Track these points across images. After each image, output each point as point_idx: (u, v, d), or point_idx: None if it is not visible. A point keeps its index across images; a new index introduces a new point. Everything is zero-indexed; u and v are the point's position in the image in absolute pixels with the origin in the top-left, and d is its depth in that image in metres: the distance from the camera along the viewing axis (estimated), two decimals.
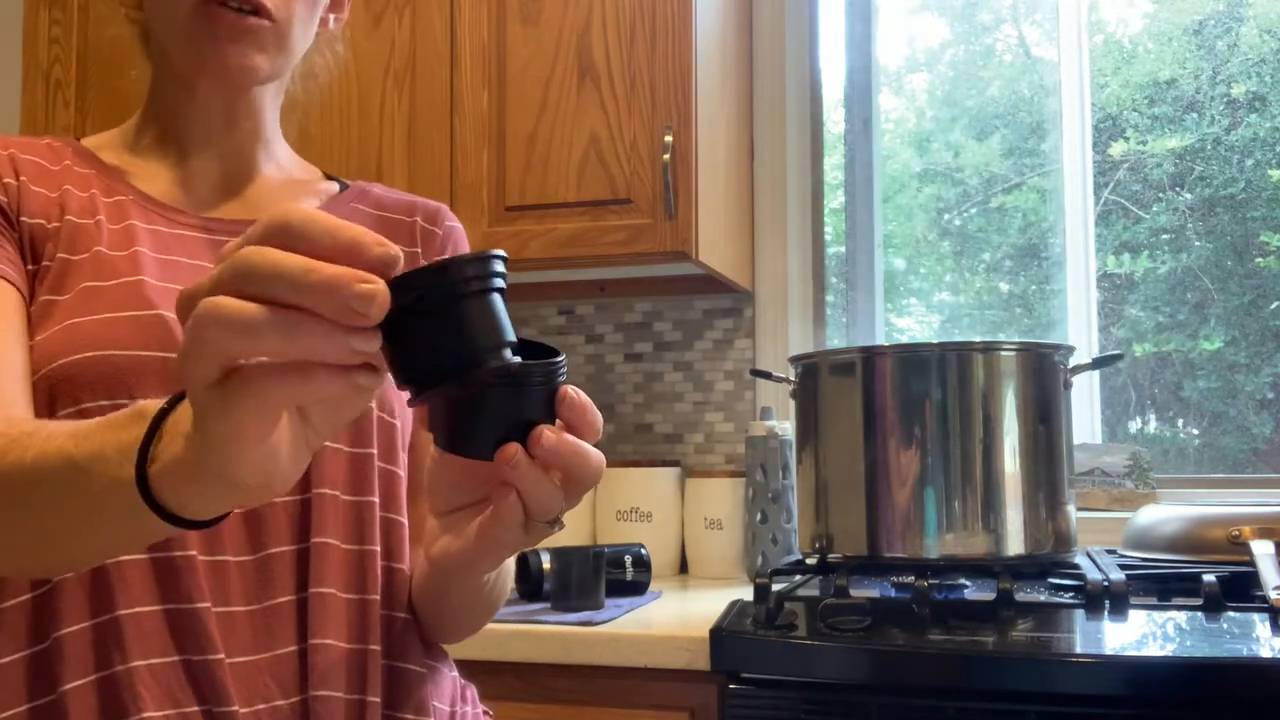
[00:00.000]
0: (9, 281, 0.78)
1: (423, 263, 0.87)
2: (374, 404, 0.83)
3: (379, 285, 0.46)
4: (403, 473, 0.86)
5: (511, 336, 0.53)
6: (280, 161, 0.95)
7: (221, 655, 0.74)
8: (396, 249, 0.48)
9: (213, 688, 0.73)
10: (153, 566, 0.75)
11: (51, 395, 0.75)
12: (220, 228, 0.87)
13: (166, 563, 0.75)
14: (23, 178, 0.83)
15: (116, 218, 0.84)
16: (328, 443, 0.79)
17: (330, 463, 0.81)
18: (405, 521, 0.85)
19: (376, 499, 0.82)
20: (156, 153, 0.91)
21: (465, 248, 0.97)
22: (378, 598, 0.81)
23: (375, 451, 0.83)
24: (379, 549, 0.82)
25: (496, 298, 0.52)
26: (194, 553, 0.75)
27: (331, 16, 0.96)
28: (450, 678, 0.91)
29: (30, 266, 0.80)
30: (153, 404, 0.54)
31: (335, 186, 0.98)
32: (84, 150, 0.90)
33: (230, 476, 0.49)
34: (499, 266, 0.52)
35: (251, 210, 0.90)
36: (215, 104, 0.89)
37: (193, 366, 0.47)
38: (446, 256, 0.53)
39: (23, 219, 0.81)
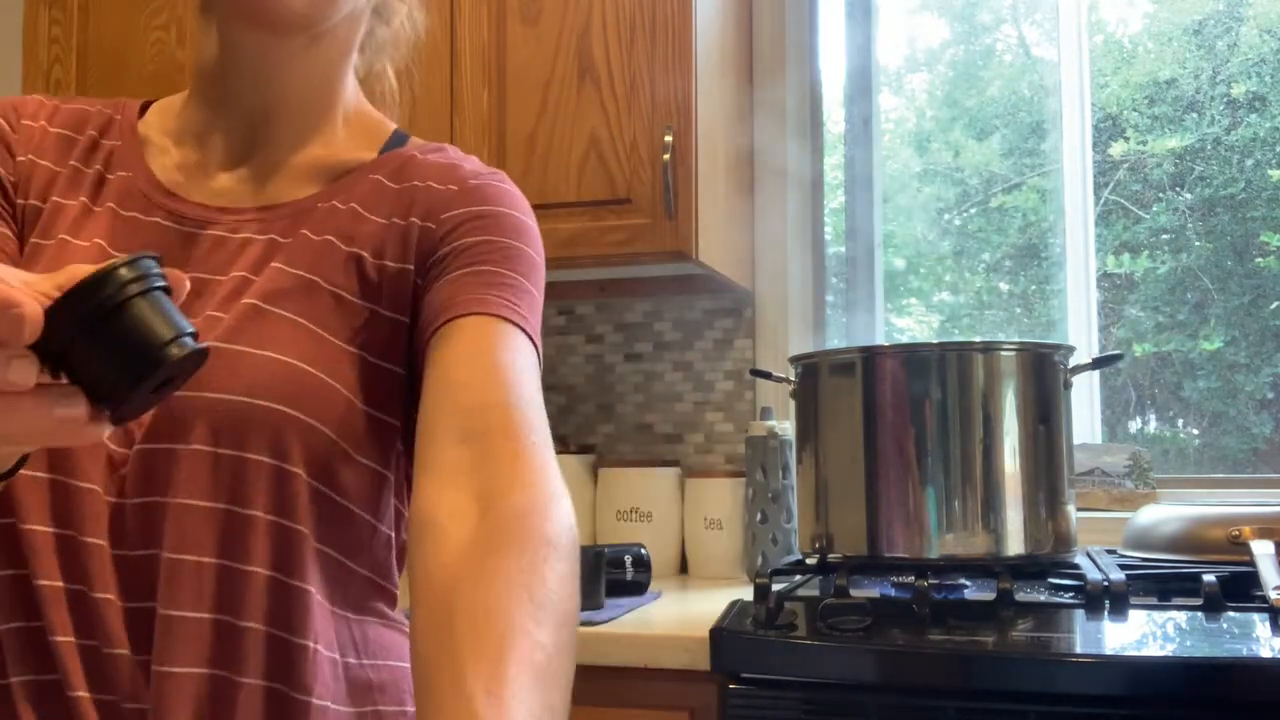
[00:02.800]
0: None
1: (427, 226, 0.80)
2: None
3: (28, 307, 0.47)
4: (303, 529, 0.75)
5: (189, 327, 0.54)
6: (326, 128, 0.86)
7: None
8: (29, 311, 0.47)
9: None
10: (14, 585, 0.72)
11: None
12: (211, 218, 0.81)
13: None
14: (33, 154, 0.80)
15: (102, 199, 0.81)
16: (197, 501, 0.72)
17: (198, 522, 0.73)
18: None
19: (257, 566, 0.74)
20: (184, 123, 0.85)
21: (506, 202, 0.85)
22: (252, 680, 0.73)
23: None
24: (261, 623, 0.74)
25: (161, 295, 0.53)
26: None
27: None
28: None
29: (22, 249, 0.78)
30: None
31: (370, 156, 0.86)
32: (130, 119, 0.85)
33: None
34: (155, 267, 0.53)
35: (254, 197, 0.83)
36: (249, 53, 0.81)
37: None
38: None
39: (19, 200, 0.79)
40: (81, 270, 0.51)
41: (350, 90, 0.88)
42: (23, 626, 0.72)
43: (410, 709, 0.82)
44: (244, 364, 0.74)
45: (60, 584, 0.72)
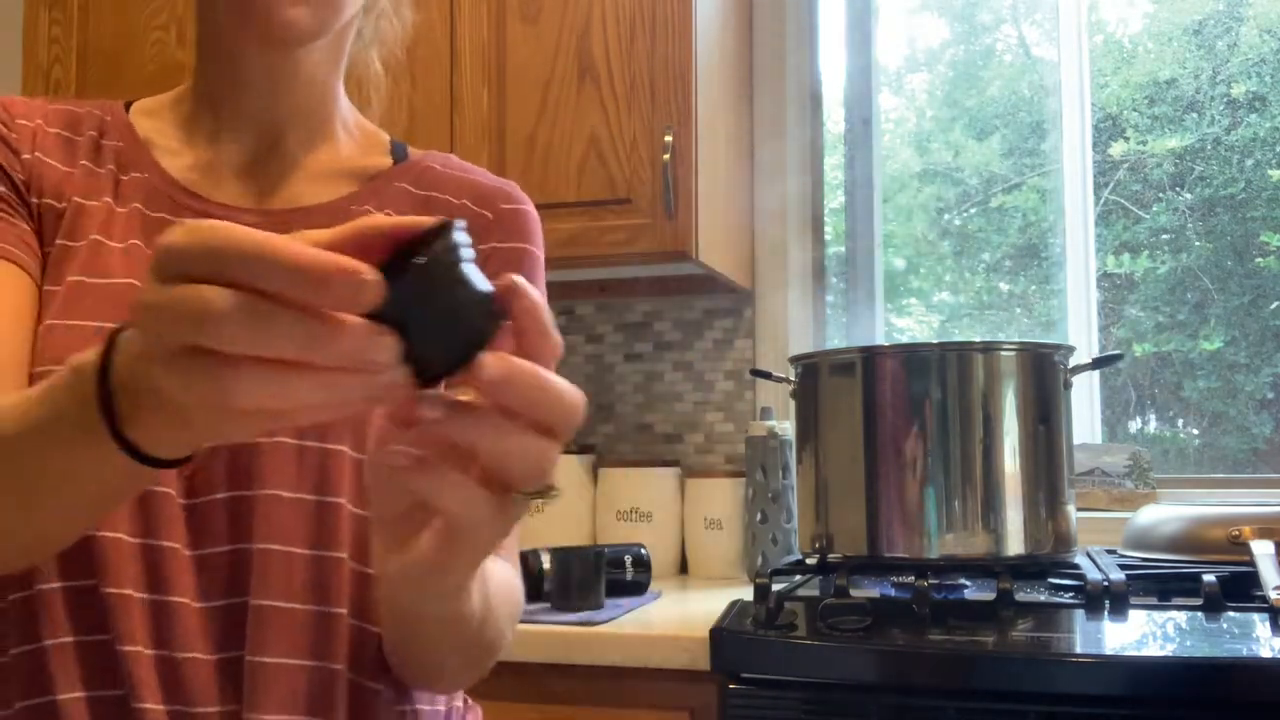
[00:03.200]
0: (11, 261, 0.74)
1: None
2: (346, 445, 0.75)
3: (368, 273, 0.41)
4: None
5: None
6: (334, 133, 0.87)
7: (158, 704, 0.70)
8: (369, 278, 0.42)
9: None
10: (78, 598, 0.71)
11: None
12: (222, 216, 0.80)
13: (102, 597, 0.71)
14: (38, 153, 0.80)
15: (125, 200, 0.80)
16: (284, 493, 0.73)
17: (289, 514, 0.73)
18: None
19: (345, 554, 0.75)
20: (193, 122, 0.85)
21: (529, 237, 0.88)
22: (341, 666, 0.74)
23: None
24: (347, 611, 0.75)
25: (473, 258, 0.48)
26: (130, 591, 0.71)
27: None
28: (443, 705, 0.85)
29: (43, 248, 0.77)
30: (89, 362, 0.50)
31: (386, 163, 0.88)
32: (121, 120, 0.85)
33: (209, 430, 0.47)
34: (464, 226, 0.47)
35: (282, 199, 0.83)
36: (256, 69, 0.82)
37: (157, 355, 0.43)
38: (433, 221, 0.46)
39: (33, 198, 0.78)
40: (373, 224, 0.46)
41: (342, 92, 0.89)
42: (83, 640, 0.71)
43: (440, 707, 0.83)
44: None
45: (132, 592, 0.71)
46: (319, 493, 0.74)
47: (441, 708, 0.84)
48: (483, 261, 0.83)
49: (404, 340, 0.44)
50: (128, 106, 0.88)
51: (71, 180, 0.80)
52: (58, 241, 0.77)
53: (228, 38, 0.82)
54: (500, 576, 0.74)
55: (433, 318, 0.45)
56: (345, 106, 0.90)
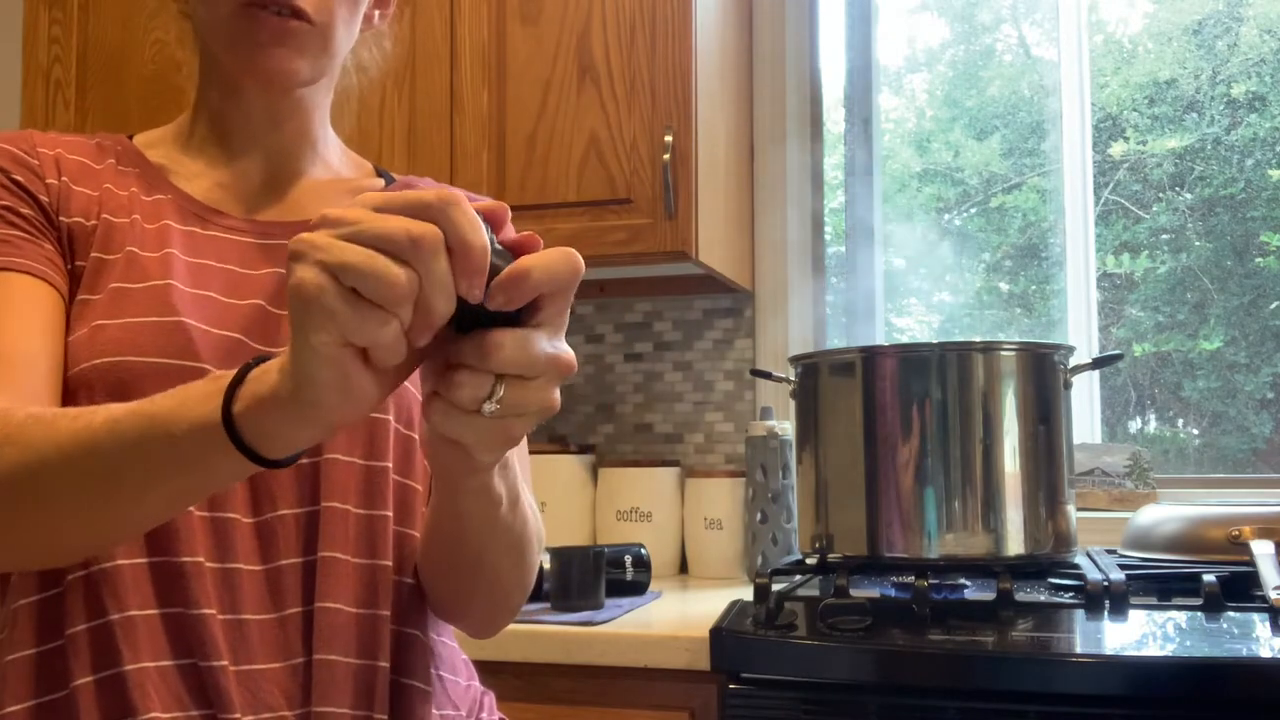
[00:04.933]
0: (42, 279, 0.79)
1: None
2: (390, 415, 0.83)
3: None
4: (420, 486, 0.85)
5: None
6: (329, 160, 0.95)
7: (226, 662, 0.74)
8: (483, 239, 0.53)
9: (217, 693, 0.73)
10: (154, 571, 0.75)
11: (70, 397, 0.76)
12: (258, 230, 0.87)
13: (175, 568, 0.75)
14: (64, 177, 0.84)
15: (153, 217, 0.85)
16: (340, 455, 0.80)
17: (342, 475, 0.80)
18: (419, 534, 0.84)
19: (390, 513, 0.82)
20: (203, 151, 0.91)
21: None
22: (388, 613, 0.80)
23: (390, 465, 0.82)
24: (391, 563, 0.81)
25: None
26: (202, 559, 0.75)
27: (376, 13, 0.96)
28: (469, 689, 0.90)
29: (70, 265, 0.81)
30: (225, 373, 0.61)
31: (381, 183, 0.97)
32: (131, 149, 0.90)
33: (322, 410, 0.56)
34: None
35: (293, 212, 0.90)
36: (259, 106, 0.89)
37: (314, 335, 0.53)
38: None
39: (62, 219, 0.82)
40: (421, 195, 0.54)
41: (329, 119, 0.97)
42: (154, 613, 0.75)
43: (459, 680, 0.91)
44: None
45: (203, 560, 0.76)
46: (369, 458, 0.81)
47: (471, 683, 0.91)
48: None
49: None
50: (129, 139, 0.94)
51: (100, 200, 0.84)
52: (93, 255, 0.82)
53: (231, 78, 0.88)
54: (523, 489, 0.80)
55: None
56: (332, 133, 0.98)
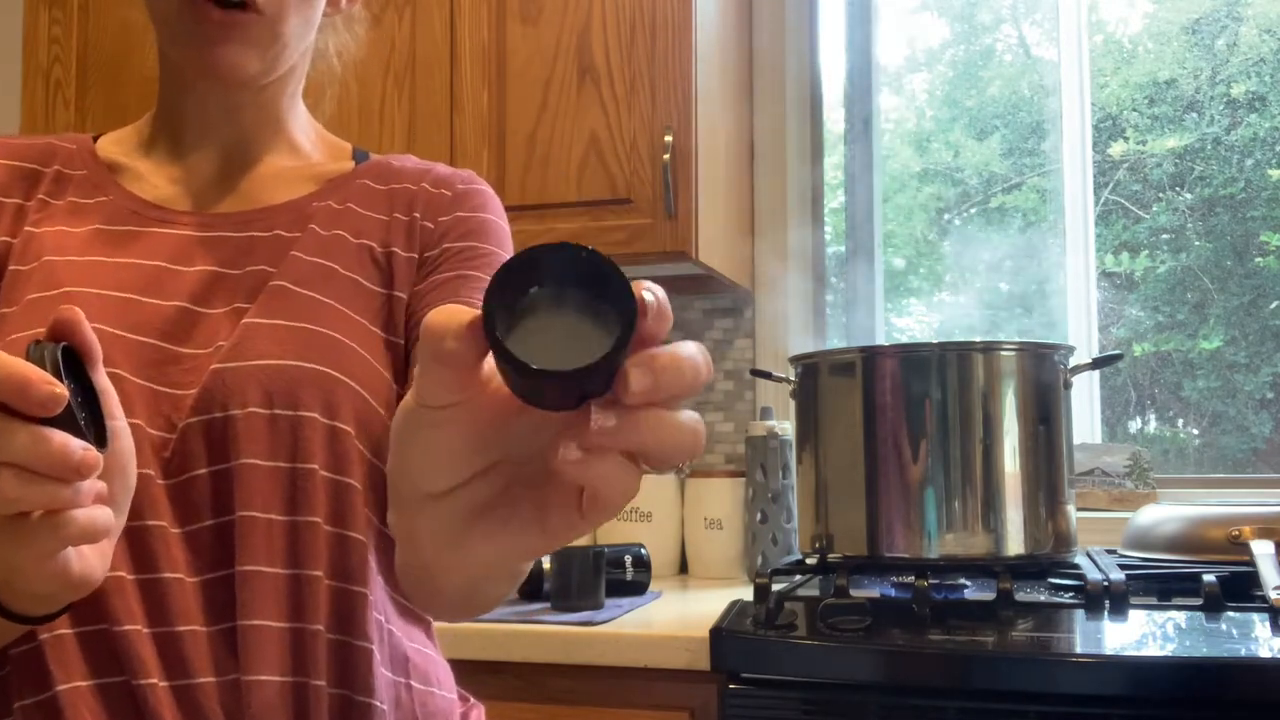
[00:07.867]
0: None
1: (426, 225, 0.86)
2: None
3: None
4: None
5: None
6: (297, 146, 0.92)
7: (155, 680, 0.72)
8: (60, 390, 0.52)
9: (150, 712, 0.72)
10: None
11: None
12: (201, 223, 0.85)
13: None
14: None
15: (81, 221, 0.83)
16: (261, 462, 0.75)
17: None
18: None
19: (319, 519, 0.76)
20: (159, 147, 0.89)
21: (490, 209, 0.91)
22: (320, 626, 0.75)
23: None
24: (321, 572, 0.76)
25: None
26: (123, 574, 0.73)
27: None
28: (443, 699, 0.84)
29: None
30: None
31: (349, 166, 0.92)
32: (85, 151, 0.89)
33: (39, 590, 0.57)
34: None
35: (247, 201, 0.87)
36: (213, 99, 0.87)
37: None
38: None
39: None
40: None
41: (301, 105, 0.94)
42: (84, 631, 0.72)
43: (435, 690, 0.84)
44: (286, 334, 0.78)
45: (126, 574, 0.73)
46: (293, 460, 0.76)
47: (451, 695, 0.86)
48: (445, 230, 0.88)
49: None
50: (95, 139, 0.92)
51: (25, 213, 0.83)
52: (10, 268, 0.80)
53: (182, 73, 0.87)
54: None
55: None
56: (305, 118, 0.94)
